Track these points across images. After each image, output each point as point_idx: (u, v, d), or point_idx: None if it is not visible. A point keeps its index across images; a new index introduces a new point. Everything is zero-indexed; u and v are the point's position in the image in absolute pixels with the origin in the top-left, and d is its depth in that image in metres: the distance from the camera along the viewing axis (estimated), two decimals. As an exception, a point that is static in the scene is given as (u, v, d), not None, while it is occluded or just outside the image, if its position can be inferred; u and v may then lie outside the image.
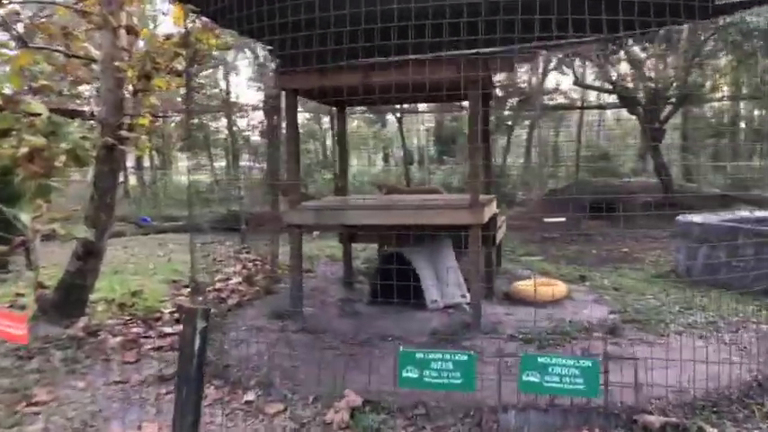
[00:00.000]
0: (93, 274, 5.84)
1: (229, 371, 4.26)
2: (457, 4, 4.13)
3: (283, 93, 5.46)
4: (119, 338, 5.22)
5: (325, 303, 6.12)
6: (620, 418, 3.30)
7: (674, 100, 11.87)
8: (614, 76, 12.76)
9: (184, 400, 2.32)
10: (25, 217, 5.27)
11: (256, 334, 5.01)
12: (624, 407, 3.37)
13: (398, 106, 17.27)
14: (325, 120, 22.19)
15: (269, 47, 6.05)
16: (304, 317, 5.42)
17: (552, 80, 19.25)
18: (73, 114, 6.28)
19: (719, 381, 3.74)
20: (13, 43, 6.01)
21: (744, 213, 8.86)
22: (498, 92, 15.49)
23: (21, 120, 4.90)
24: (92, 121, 6.31)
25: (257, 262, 8.35)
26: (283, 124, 8.88)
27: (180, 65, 6.33)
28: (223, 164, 25.98)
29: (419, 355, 2.29)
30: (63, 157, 5.43)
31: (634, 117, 21.52)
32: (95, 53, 6.36)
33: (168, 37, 6.13)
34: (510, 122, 18.66)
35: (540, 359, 2.37)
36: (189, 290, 7.10)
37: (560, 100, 19.00)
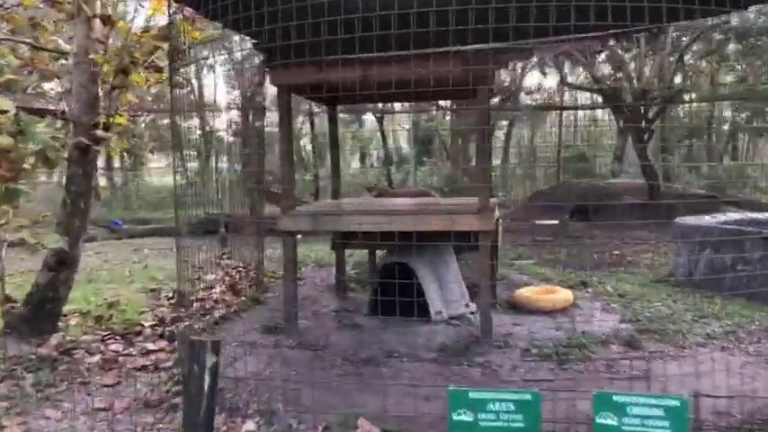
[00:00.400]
0: (66, 285, 5.36)
1: (224, 395, 3.83)
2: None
3: (268, 89, 5.08)
4: (96, 357, 4.76)
5: (319, 315, 5.74)
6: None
7: (658, 100, 11.75)
8: (601, 75, 12.61)
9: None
10: (-11, 224, 4.79)
11: (250, 351, 4.62)
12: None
13: (380, 106, 16.95)
14: (299, 120, 21.72)
15: (254, 41, 5.66)
16: (299, 331, 5.04)
17: (533, 79, 19.12)
18: (40, 113, 5.79)
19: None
20: (-25, 35, 5.51)
21: (736, 215, 8.72)
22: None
23: (-16, 118, 4.43)
24: (61, 121, 5.82)
25: (240, 269, 7.91)
26: (258, 123, 8.52)
27: (160, 60, 5.89)
28: (195, 164, 25.32)
29: (473, 395, 1.94)
30: (31, 159, 4.99)
31: (610, 118, 21.66)
32: (65, 47, 5.89)
33: (147, 29, 5.69)
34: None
35: (615, 398, 2.03)
36: (172, 301, 6.65)
37: (541, 100, 18.85)
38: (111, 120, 5.52)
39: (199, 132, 22.34)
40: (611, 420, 2.05)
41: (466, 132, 20.20)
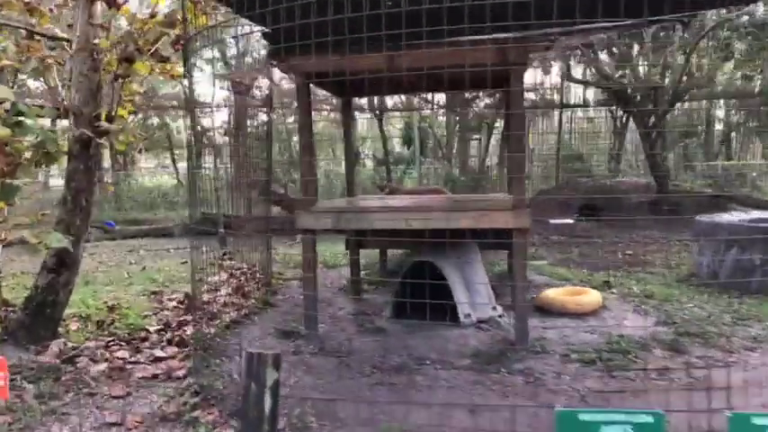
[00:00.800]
0: (66, 288, 5.01)
1: (248, 407, 3.52)
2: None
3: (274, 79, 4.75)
4: (102, 365, 4.41)
5: (336, 318, 5.42)
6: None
7: (667, 97, 11.55)
8: (609, 71, 12.38)
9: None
10: (-17, 224, 4.43)
11: (268, 358, 4.29)
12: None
13: (376, 104, 16.65)
14: (290, 119, 21.36)
15: (264, 29, 5.32)
16: (319, 336, 4.72)
17: (534, 76, 18.82)
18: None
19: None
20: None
21: (756, 213, 8.50)
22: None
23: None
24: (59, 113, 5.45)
25: (245, 270, 7.56)
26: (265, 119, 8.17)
27: (163, 48, 5.54)
28: (184, 164, 24.88)
29: (584, 417, 1.64)
30: (28, 153, 4.63)
31: (606, 116, 21.43)
32: (60, 34, 5.53)
33: (153, 14, 5.33)
34: (489, 121, 18.17)
35: (754, 419, 1.72)
36: (174, 303, 6.31)
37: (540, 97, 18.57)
38: (113, 112, 5.18)
39: (188, 131, 21.96)
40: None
41: (462, 131, 19.96)
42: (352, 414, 3.29)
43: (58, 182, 19.79)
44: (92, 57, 4.97)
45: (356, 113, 21.83)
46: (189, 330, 5.26)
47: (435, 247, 4.81)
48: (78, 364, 4.43)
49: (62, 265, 4.92)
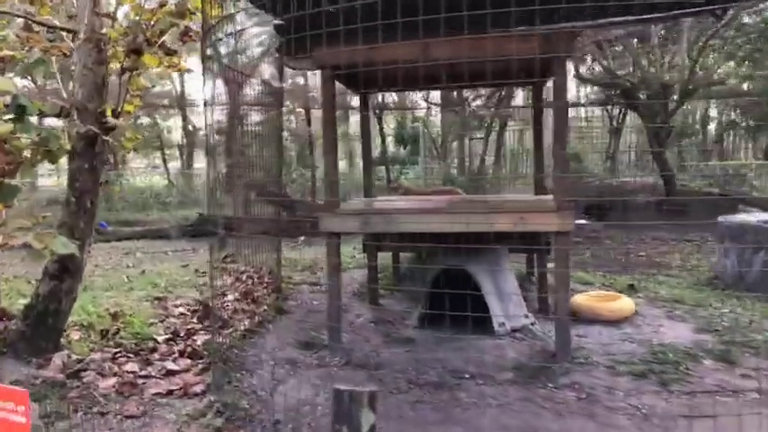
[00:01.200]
0: (70, 296, 4.65)
1: (279, 430, 3.21)
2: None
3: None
4: (111, 380, 4.08)
5: (356, 326, 5.12)
6: None
7: (677, 96, 11.37)
8: (619, 70, 12.18)
9: None
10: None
11: (292, 370, 3.99)
12: None
13: (377, 102, 16.35)
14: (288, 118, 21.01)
15: (280, 21, 5.02)
16: (344, 347, 4.42)
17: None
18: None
19: None
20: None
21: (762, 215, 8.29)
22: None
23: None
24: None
25: (251, 274, 7.23)
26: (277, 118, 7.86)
27: (172, 41, 5.21)
28: (177, 164, 24.43)
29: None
30: (28, 151, 4.28)
31: (603, 116, 21.30)
32: (61, 24, 5.19)
33: (162, 4, 5.00)
34: (488, 120, 17.93)
35: None
36: (180, 309, 5.97)
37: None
38: (120, 108, 4.85)
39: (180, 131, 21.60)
40: None
41: (458, 130, 19.71)
42: (398, 437, 3.00)
43: (45, 182, 19.30)
44: (97, 48, 4.63)
45: (350, 112, 21.58)
46: (200, 340, 4.95)
47: (464, 252, 4.52)
48: (85, 379, 4.10)
49: (65, 272, 4.57)
